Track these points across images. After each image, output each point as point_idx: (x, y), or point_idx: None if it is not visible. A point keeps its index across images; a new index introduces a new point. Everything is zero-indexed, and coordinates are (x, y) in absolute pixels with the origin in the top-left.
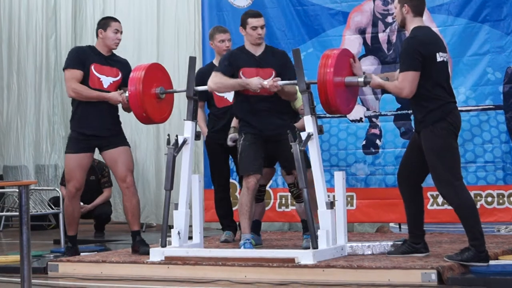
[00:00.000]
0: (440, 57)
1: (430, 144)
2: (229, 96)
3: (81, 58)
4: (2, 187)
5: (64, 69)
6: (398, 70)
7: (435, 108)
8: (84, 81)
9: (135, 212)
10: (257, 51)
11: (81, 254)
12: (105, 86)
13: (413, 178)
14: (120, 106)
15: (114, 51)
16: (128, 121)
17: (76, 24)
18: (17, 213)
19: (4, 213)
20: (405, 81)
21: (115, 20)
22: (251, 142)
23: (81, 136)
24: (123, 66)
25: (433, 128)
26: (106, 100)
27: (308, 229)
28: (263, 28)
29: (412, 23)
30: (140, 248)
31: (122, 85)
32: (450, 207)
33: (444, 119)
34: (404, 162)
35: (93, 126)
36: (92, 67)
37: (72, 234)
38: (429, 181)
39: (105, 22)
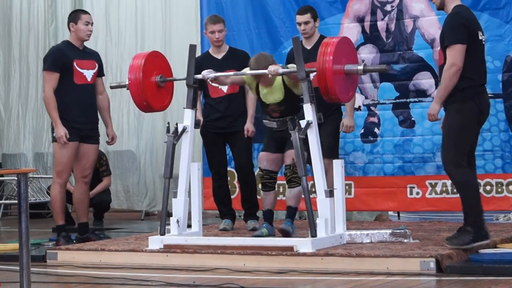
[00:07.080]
0: (480, 36)
1: (452, 121)
2: (224, 87)
3: (62, 60)
4: (1, 175)
5: (43, 70)
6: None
7: (465, 88)
8: (69, 78)
9: (88, 204)
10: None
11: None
12: (89, 79)
13: None
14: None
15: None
16: (123, 107)
17: None
18: (16, 201)
19: (3, 201)
20: (455, 55)
21: (85, 12)
22: None
23: (69, 124)
24: (97, 57)
25: (460, 106)
26: (56, 124)
27: (290, 216)
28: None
29: (452, 2)
30: (95, 236)
31: (98, 75)
32: (448, 196)
33: (473, 100)
34: None
35: (79, 115)
36: (75, 64)
37: (64, 222)
38: (428, 169)
39: (75, 15)
